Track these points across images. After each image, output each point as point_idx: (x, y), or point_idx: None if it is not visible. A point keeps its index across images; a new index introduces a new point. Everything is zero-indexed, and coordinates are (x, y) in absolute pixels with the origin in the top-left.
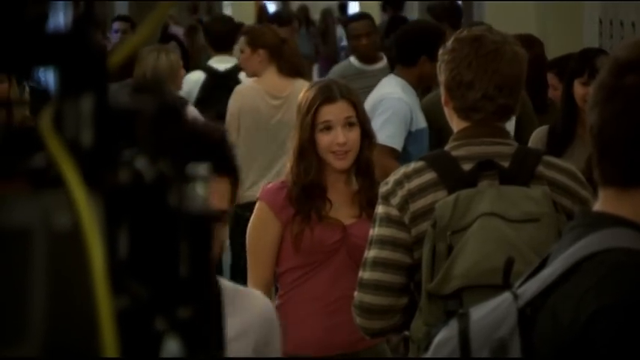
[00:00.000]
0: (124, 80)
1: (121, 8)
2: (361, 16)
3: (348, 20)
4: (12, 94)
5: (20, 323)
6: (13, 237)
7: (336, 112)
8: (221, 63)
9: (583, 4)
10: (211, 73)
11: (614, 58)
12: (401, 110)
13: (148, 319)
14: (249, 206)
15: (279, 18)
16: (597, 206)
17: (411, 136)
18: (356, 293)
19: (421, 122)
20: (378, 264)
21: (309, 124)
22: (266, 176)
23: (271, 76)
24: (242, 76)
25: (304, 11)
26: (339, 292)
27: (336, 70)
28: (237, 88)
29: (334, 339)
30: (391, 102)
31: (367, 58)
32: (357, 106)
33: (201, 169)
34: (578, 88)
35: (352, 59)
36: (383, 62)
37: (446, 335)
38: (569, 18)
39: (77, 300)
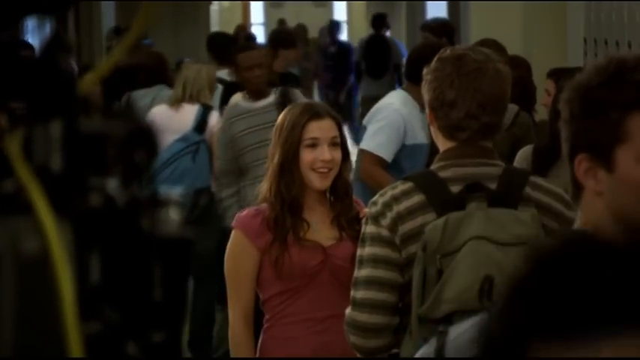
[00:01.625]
0: (153, 86)
1: (109, 17)
2: (252, 46)
3: (238, 50)
4: None
5: None
6: None
7: (323, 129)
8: (228, 75)
9: (567, 24)
10: (225, 84)
11: (575, 82)
12: (395, 121)
13: (120, 344)
14: None
15: (283, 41)
16: (576, 225)
17: (404, 150)
18: (349, 312)
19: (419, 138)
20: (372, 283)
21: (296, 139)
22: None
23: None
24: None
25: (303, 30)
26: (326, 312)
27: (224, 113)
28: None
29: (319, 338)
30: (387, 112)
31: (258, 92)
32: (341, 127)
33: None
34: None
35: (239, 98)
36: (271, 98)
37: (423, 353)
38: (554, 38)
39: (46, 326)
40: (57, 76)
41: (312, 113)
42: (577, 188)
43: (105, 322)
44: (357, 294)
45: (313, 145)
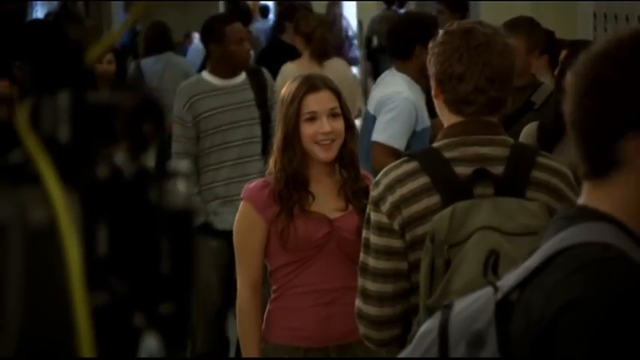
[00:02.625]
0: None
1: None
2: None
3: (222, 22)
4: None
5: None
6: None
7: (321, 101)
8: None
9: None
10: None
11: (590, 51)
12: (406, 109)
13: (127, 316)
14: None
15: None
16: (580, 200)
17: (415, 136)
18: (359, 303)
19: (426, 121)
20: (377, 275)
21: (294, 113)
22: None
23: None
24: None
25: (308, 7)
26: (332, 284)
27: (183, 90)
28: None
29: (328, 330)
30: (398, 101)
31: (237, 69)
32: (340, 97)
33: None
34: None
35: (205, 74)
36: (242, 76)
37: (428, 327)
38: (563, 13)
39: (53, 297)
40: (64, 45)
41: (309, 86)
42: (603, 166)
43: (112, 294)
44: (365, 284)
45: (312, 119)
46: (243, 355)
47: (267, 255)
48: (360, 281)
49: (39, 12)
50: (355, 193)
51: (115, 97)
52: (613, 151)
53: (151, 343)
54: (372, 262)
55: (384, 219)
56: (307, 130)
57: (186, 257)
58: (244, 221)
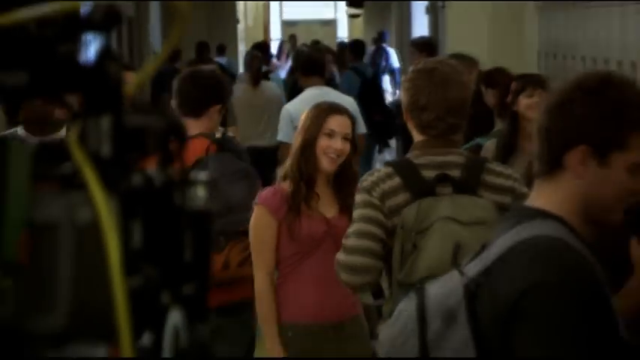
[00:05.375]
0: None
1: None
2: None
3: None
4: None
5: (50, 298)
6: (45, 228)
7: (341, 123)
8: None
9: (525, 40)
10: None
11: (568, 80)
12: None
13: (157, 295)
14: None
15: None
16: (531, 196)
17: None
18: (341, 256)
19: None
20: (363, 234)
21: (318, 127)
22: None
23: None
24: None
25: (294, 39)
26: (327, 272)
27: None
28: None
29: (324, 309)
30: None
31: None
32: (354, 126)
33: (202, 174)
34: (524, 100)
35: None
36: None
37: (407, 304)
38: (514, 52)
39: (96, 281)
40: (106, 79)
41: (335, 108)
42: (554, 169)
43: (145, 277)
44: (349, 242)
45: (330, 135)
46: (264, 333)
47: (275, 248)
48: (344, 241)
49: (92, 50)
50: (348, 201)
51: (146, 120)
52: (562, 157)
53: (176, 317)
54: (359, 226)
55: (376, 200)
56: (323, 142)
57: (204, 248)
58: (260, 221)
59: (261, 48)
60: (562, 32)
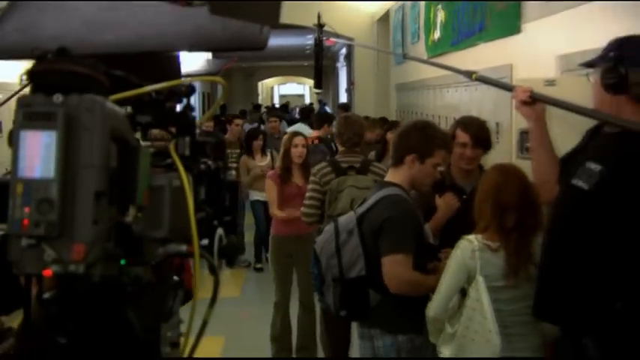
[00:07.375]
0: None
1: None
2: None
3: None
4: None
5: (159, 221)
6: (158, 188)
7: (300, 142)
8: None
9: (390, 102)
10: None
11: (407, 123)
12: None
13: (211, 221)
14: None
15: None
16: (387, 175)
17: None
18: (303, 208)
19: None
20: (311, 197)
21: (291, 142)
22: None
23: None
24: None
25: (286, 104)
26: (297, 208)
27: None
28: None
29: (291, 227)
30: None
31: None
32: (306, 140)
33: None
34: (389, 134)
35: None
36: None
37: (329, 226)
38: (384, 110)
39: (182, 213)
40: (187, 119)
41: (296, 135)
42: (399, 163)
43: (205, 212)
44: (306, 201)
45: (295, 146)
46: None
47: (277, 199)
48: (304, 201)
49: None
50: (307, 177)
51: (206, 139)
52: (403, 158)
53: (220, 231)
54: (310, 194)
55: (317, 179)
56: (293, 150)
57: (234, 199)
58: (270, 186)
59: (282, 108)
60: (408, 101)
